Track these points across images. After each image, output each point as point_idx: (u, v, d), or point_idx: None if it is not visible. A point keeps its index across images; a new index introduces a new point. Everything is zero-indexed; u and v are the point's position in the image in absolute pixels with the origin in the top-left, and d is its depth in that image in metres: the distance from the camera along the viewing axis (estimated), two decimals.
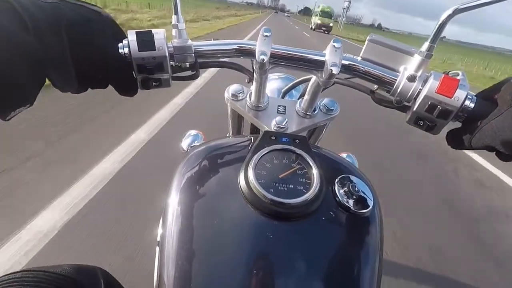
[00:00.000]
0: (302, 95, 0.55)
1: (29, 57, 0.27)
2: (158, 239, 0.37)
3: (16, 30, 0.26)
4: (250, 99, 0.50)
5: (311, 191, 0.34)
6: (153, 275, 0.35)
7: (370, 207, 0.36)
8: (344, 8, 51.48)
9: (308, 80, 0.50)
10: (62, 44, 0.30)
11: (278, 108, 0.52)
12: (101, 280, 0.35)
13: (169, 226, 0.34)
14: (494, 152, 0.34)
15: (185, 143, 0.74)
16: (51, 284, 0.31)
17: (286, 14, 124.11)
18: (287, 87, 0.63)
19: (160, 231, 0.37)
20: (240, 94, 0.51)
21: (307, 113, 0.51)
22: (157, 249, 0.36)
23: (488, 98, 0.34)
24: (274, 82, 0.78)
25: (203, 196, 0.37)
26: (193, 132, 0.76)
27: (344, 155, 0.73)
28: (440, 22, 0.32)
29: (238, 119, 0.64)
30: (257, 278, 0.30)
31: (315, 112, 0.51)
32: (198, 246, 0.32)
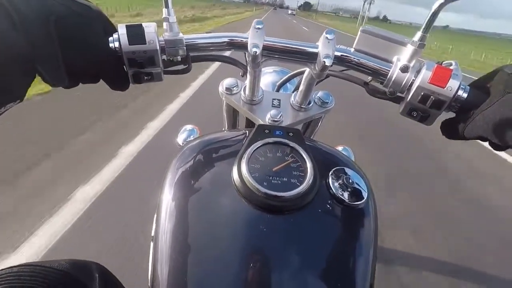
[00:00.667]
0: (296, 88, 0.55)
1: (17, 54, 0.27)
2: (153, 234, 0.38)
3: (3, 26, 0.26)
4: (245, 93, 0.50)
5: (304, 183, 0.34)
6: (147, 270, 0.36)
7: (364, 199, 0.36)
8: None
9: (302, 73, 0.50)
10: (51, 39, 0.29)
11: (272, 101, 0.52)
12: (96, 274, 0.35)
13: (163, 221, 0.34)
14: (488, 142, 0.34)
15: (180, 138, 0.74)
16: (46, 278, 0.31)
17: (289, 12, 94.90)
18: (281, 80, 0.63)
19: (154, 226, 0.37)
20: (234, 88, 0.51)
21: (302, 106, 0.50)
22: (151, 244, 0.37)
23: (481, 88, 0.34)
24: (269, 76, 0.77)
25: (197, 190, 0.37)
26: (188, 127, 0.76)
27: (340, 148, 0.73)
28: (432, 11, 0.32)
29: (233, 113, 0.64)
30: (252, 271, 0.30)
31: (310, 105, 0.51)
32: (192, 241, 0.32)
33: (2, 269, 0.32)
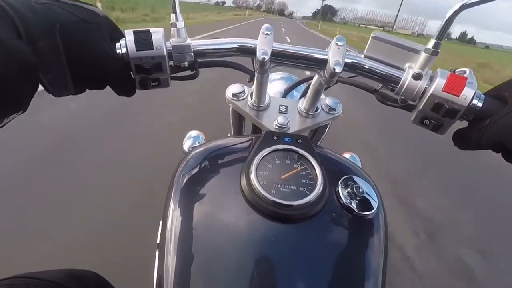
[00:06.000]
0: (303, 95, 0.55)
1: (22, 63, 0.25)
2: (158, 241, 0.37)
3: (7, 34, 0.24)
4: (251, 99, 0.49)
5: (314, 192, 0.33)
6: (153, 279, 0.35)
7: (374, 209, 0.35)
8: None
9: (310, 79, 0.49)
10: (56, 47, 0.28)
11: (279, 107, 0.51)
12: (92, 284, 0.34)
13: (169, 229, 0.34)
14: (500, 154, 0.33)
15: (186, 145, 0.73)
16: None
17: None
18: (288, 86, 0.62)
19: (159, 234, 0.36)
20: (241, 94, 0.51)
21: (309, 113, 0.50)
22: (157, 252, 0.35)
23: (497, 97, 0.33)
24: (276, 82, 0.77)
25: (203, 198, 0.36)
26: (193, 133, 0.75)
27: (347, 155, 0.72)
28: (446, 18, 0.31)
29: (239, 119, 0.63)
30: (260, 281, 0.29)
31: (317, 111, 0.50)
32: (199, 250, 0.32)
33: None
